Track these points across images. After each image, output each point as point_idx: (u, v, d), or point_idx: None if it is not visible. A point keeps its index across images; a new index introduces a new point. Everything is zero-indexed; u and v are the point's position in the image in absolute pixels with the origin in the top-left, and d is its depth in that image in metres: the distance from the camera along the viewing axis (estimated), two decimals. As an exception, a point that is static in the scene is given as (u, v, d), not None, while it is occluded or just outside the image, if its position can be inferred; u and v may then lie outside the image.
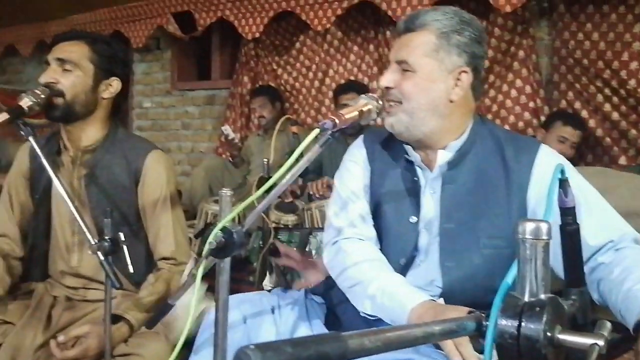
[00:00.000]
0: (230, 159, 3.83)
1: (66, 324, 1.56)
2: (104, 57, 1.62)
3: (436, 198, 1.26)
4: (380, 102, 1.15)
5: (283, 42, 4.07)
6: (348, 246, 1.29)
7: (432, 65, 1.21)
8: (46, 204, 1.67)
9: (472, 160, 1.25)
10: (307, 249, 2.40)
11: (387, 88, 1.23)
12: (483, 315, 0.57)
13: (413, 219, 1.26)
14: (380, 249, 1.30)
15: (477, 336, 0.55)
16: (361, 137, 1.41)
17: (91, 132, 1.65)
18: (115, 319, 1.45)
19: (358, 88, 3.08)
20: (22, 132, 1.39)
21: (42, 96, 1.48)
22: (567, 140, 2.75)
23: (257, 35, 3.55)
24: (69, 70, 1.57)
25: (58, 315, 1.60)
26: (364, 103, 1.11)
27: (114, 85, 1.65)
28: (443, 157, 1.25)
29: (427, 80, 1.21)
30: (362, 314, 1.22)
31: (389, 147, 1.35)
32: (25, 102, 1.43)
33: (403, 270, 1.26)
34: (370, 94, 1.15)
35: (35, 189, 1.68)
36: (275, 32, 4.02)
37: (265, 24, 3.47)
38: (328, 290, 1.39)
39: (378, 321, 1.19)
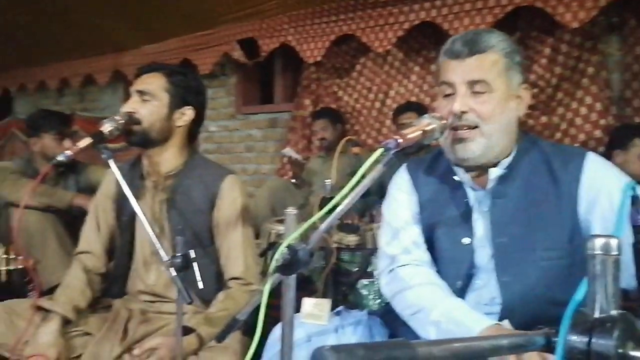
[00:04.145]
0: (292, 180, 3.90)
1: (141, 337, 1.64)
2: (179, 88, 1.73)
3: (487, 215, 1.26)
4: (444, 122, 1.15)
5: (343, 65, 4.14)
6: (405, 272, 1.30)
7: (506, 84, 1.22)
8: (130, 225, 1.78)
9: (520, 173, 1.25)
10: (368, 270, 2.40)
11: (463, 112, 1.21)
12: (552, 331, 0.57)
13: (466, 240, 1.26)
14: (437, 273, 1.30)
15: (546, 352, 0.55)
16: (404, 165, 1.42)
17: (170, 158, 1.75)
18: (186, 332, 1.51)
19: (417, 108, 3.08)
20: (103, 155, 1.49)
21: (121, 122, 1.59)
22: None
23: (318, 58, 3.62)
24: (147, 100, 1.68)
25: (133, 328, 1.69)
26: (427, 122, 1.12)
27: (188, 113, 1.75)
28: (494, 173, 1.25)
29: (504, 99, 1.22)
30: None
31: (433, 171, 1.36)
32: (106, 127, 1.54)
33: (461, 292, 1.26)
34: (433, 114, 1.16)
35: (122, 211, 1.79)
36: (335, 55, 4.09)
37: (326, 47, 3.55)
38: (388, 314, 1.39)
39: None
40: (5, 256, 2.05)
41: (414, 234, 1.34)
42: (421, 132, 1.09)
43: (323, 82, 4.25)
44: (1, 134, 6.34)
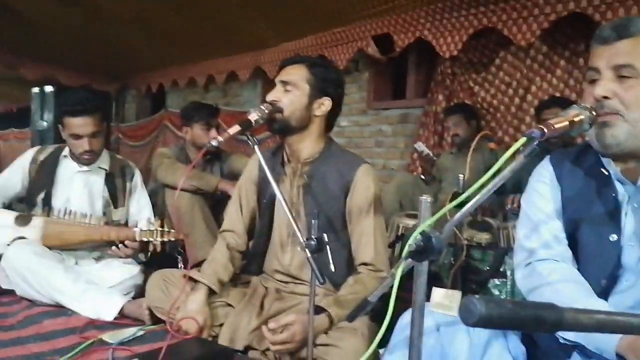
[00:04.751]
0: (422, 176, 3.87)
1: (276, 313, 1.76)
2: (319, 79, 1.81)
3: (638, 211, 1.17)
4: (594, 113, 1.10)
5: (481, 59, 4.00)
6: (544, 267, 1.25)
7: None
8: (270, 208, 1.92)
9: None
10: (501, 269, 2.32)
11: (605, 98, 1.16)
12: None
13: (613, 237, 1.19)
14: (578, 271, 1.24)
15: None
16: (547, 157, 1.37)
17: (308, 146, 1.85)
18: (318, 312, 1.59)
19: (564, 103, 2.89)
20: (249, 142, 1.61)
21: (266, 111, 1.70)
22: None
23: (455, 53, 3.54)
24: (289, 91, 1.79)
25: (269, 304, 1.81)
26: (576, 113, 1.07)
27: (326, 104, 1.83)
28: None
29: None
30: (561, 340, 1.17)
31: (579, 164, 1.29)
32: (253, 116, 1.66)
33: (605, 292, 1.19)
34: (582, 104, 1.10)
35: (263, 195, 1.93)
36: (473, 49, 3.97)
37: (463, 41, 3.45)
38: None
39: (575, 348, 1.13)
40: (160, 229, 2.28)
41: (556, 228, 1.28)
42: (568, 122, 1.05)
43: (458, 77, 4.15)
44: (156, 125, 7.04)
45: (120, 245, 2.32)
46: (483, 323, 0.42)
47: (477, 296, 0.42)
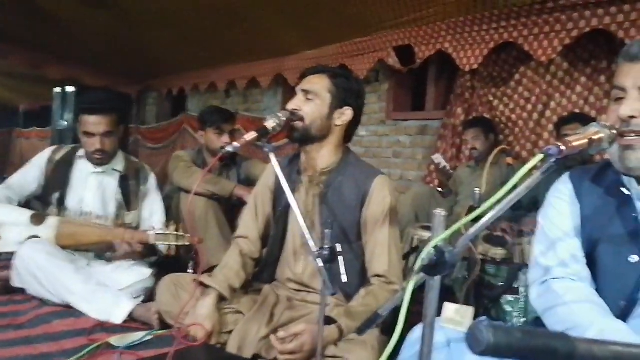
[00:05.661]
0: (438, 188, 3.85)
1: (286, 322, 1.75)
2: (341, 89, 1.81)
3: None
4: (614, 132, 1.08)
5: (501, 74, 3.98)
6: (560, 286, 1.23)
7: None
8: (285, 216, 1.91)
9: None
10: (514, 285, 2.29)
11: (631, 117, 1.13)
12: None
13: (633, 258, 1.16)
14: (596, 291, 1.21)
15: None
16: (567, 173, 1.35)
17: (326, 155, 1.85)
18: (328, 322, 1.58)
19: (584, 119, 2.86)
20: (265, 149, 1.61)
21: (283, 119, 1.70)
22: None
23: (475, 66, 3.52)
24: (311, 100, 1.79)
25: (280, 313, 1.80)
26: (595, 131, 1.05)
27: (347, 114, 1.84)
28: None
29: None
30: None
31: (599, 182, 1.27)
32: (270, 123, 1.66)
33: (623, 314, 1.16)
34: (602, 122, 1.09)
35: (279, 202, 1.94)
36: (493, 64, 3.95)
37: (484, 55, 3.43)
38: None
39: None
40: (175, 233, 2.29)
41: (573, 246, 1.26)
42: (587, 140, 1.03)
43: (478, 91, 4.13)
44: (176, 128, 7.11)
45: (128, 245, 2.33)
46: (490, 352, 0.40)
47: (485, 323, 0.40)
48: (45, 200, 2.56)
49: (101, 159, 2.54)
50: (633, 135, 1.13)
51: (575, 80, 3.52)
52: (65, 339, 1.93)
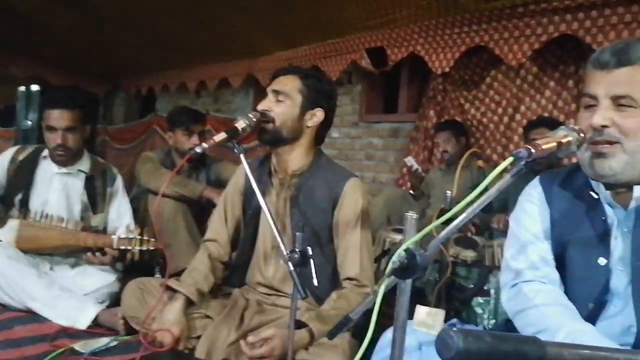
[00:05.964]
0: (410, 191, 3.86)
1: (256, 326, 1.72)
2: (312, 90, 1.79)
3: (628, 235, 1.16)
4: (582, 135, 1.08)
5: (472, 77, 4.02)
6: (530, 289, 1.24)
7: None
8: (255, 219, 1.88)
9: None
10: (485, 287, 2.31)
11: (603, 127, 1.13)
12: None
13: (602, 260, 1.18)
14: (565, 293, 1.23)
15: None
16: (537, 177, 1.36)
17: (297, 157, 1.82)
18: (299, 326, 1.56)
19: (551, 123, 2.91)
20: (235, 150, 1.58)
21: (254, 120, 1.67)
22: None
23: (447, 69, 3.55)
24: (281, 101, 1.77)
25: (250, 317, 1.77)
26: (564, 134, 1.05)
27: (318, 115, 1.81)
28: (638, 192, 1.15)
29: None
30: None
31: (568, 186, 1.28)
32: (240, 124, 1.63)
33: (591, 316, 1.17)
34: (570, 126, 1.09)
35: (249, 205, 1.90)
36: (465, 67, 3.99)
37: (456, 58, 3.46)
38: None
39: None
40: (139, 237, 2.23)
41: (543, 249, 1.27)
42: (556, 143, 1.04)
43: (449, 94, 4.17)
44: (145, 129, 6.98)
45: (97, 252, 2.26)
46: (460, 358, 0.39)
47: (455, 328, 0.39)
48: (7, 202, 2.47)
49: (63, 156, 2.44)
50: (605, 144, 1.13)
51: (544, 85, 3.58)
52: (27, 345, 1.88)
